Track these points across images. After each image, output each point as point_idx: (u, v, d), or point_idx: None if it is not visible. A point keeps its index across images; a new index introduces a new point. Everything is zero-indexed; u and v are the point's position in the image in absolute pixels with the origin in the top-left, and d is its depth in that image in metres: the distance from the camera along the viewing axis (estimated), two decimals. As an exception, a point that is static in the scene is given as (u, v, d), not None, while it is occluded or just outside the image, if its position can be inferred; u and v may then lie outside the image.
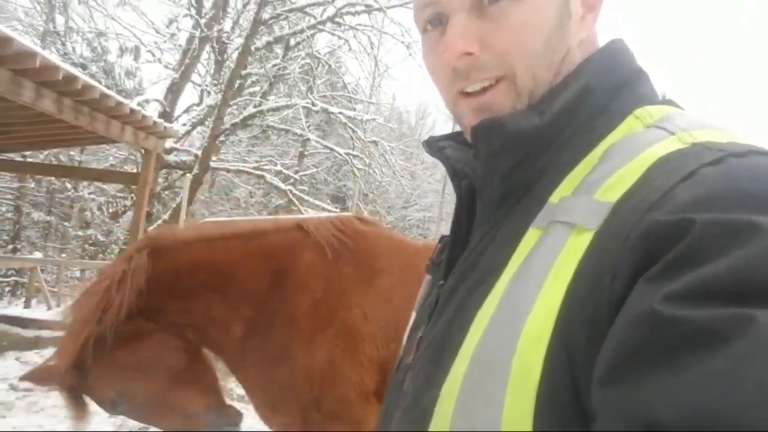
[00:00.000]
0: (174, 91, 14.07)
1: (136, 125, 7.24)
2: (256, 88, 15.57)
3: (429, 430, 0.58)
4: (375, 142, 16.77)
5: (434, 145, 0.79)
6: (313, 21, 14.33)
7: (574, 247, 0.52)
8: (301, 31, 14.28)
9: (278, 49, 15.80)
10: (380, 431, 0.74)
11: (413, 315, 0.84)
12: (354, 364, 2.19)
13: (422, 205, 29.86)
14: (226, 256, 2.29)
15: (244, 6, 15.37)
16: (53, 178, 14.70)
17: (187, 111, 15.67)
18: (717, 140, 0.53)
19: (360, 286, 2.32)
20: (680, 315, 0.40)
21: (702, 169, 0.49)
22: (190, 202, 12.46)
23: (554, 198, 0.59)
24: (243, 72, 13.78)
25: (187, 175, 11.67)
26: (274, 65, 14.87)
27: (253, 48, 13.56)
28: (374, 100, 20.32)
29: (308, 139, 17.23)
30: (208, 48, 14.91)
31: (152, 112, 12.50)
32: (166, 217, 13.25)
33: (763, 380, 0.35)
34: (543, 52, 0.65)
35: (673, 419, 0.37)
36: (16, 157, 10.95)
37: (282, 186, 14.89)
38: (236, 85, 13.71)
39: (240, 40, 14.10)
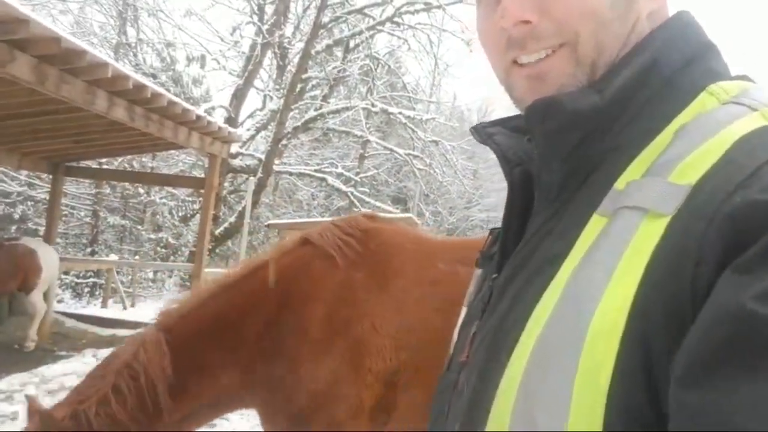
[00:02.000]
0: (238, 97, 14.45)
1: (201, 131, 7.43)
2: (317, 92, 15.77)
3: (487, 427, 0.54)
4: (436, 142, 16.62)
5: (483, 132, 0.73)
6: (372, 22, 14.36)
7: (648, 233, 0.47)
8: (360, 33, 14.34)
9: (338, 52, 15.93)
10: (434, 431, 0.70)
11: (463, 310, 0.80)
12: (356, 381, 2.08)
13: (485, 205, 29.31)
14: (228, 307, 2.17)
15: (305, 11, 15.60)
16: (127, 183, 15.40)
17: (251, 116, 16.08)
18: None
19: (371, 293, 2.18)
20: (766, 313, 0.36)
21: None
22: (254, 205, 12.75)
23: (620, 183, 0.54)
24: (304, 76, 13.97)
25: (251, 178, 11.93)
26: (334, 68, 14.99)
27: (313, 52, 13.72)
28: (434, 99, 20.16)
29: (368, 141, 17.27)
30: (270, 54, 15.23)
31: (219, 118, 12.87)
32: (232, 219, 13.61)
33: None
34: (610, 18, 0.59)
35: None
36: (93, 164, 11.52)
37: (343, 188, 15.00)
38: (297, 89, 13.91)
39: (301, 45, 14.31)
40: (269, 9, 14.88)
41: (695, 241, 0.44)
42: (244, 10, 15.20)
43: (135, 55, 16.30)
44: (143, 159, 15.66)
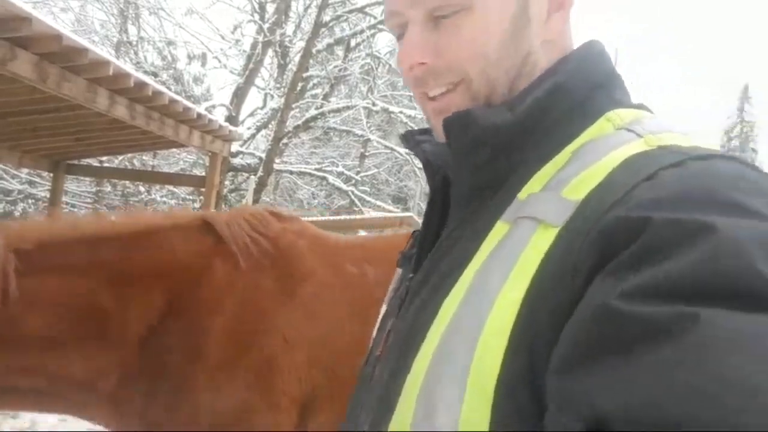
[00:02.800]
0: (239, 95, 14.43)
1: (202, 129, 7.42)
2: (318, 91, 15.75)
3: (390, 425, 0.58)
4: (436, 141, 16.57)
5: (412, 139, 0.80)
6: (372, 21, 14.34)
7: (539, 243, 0.52)
8: (361, 32, 14.32)
9: (339, 51, 15.91)
10: (348, 428, 0.73)
11: (384, 307, 0.85)
12: (270, 408, 1.74)
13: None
14: (95, 276, 1.63)
15: (305, 10, 15.58)
16: (128, 181, 15.39)
17: (251, 115, 16.06)
18: (682, 144, 0.55)
19: (280, 303, 1.85)
20: (631, 310, 0.41)
21: (663, 171, 0.50)
22: (255, 203, 12.73)
23: (522, 194, 0.60)
24: (305, 75, 13.95)
25: (252, 177, 11.93)
26: (335, 67, 14.98)
27: (314, 50, 13.71)
28: (435, 98, 20.09)
29: (369, 140, 17.27)
30: (271, 52, 15.21)
31: (219, 116, 12.87)
32: (232, 218, 13.60)
33: (703, 376, 0.36)
34: (497, 58, 0.66)
35: (618, 412, 0.38)
36: (94, 162, 11.51)
37: (344, 187, 14.99)
38: (298, 88, 13.90)
39: (302, 44, 14.29)
40: (270, 8, 14.86)
41: (574, 255, 0.49)
42: (245, 8, 15.19)
43: (136, 54, 16.28)
44: (144, 157, 15.65)
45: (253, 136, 14.68)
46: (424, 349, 0.57)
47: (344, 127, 16.36)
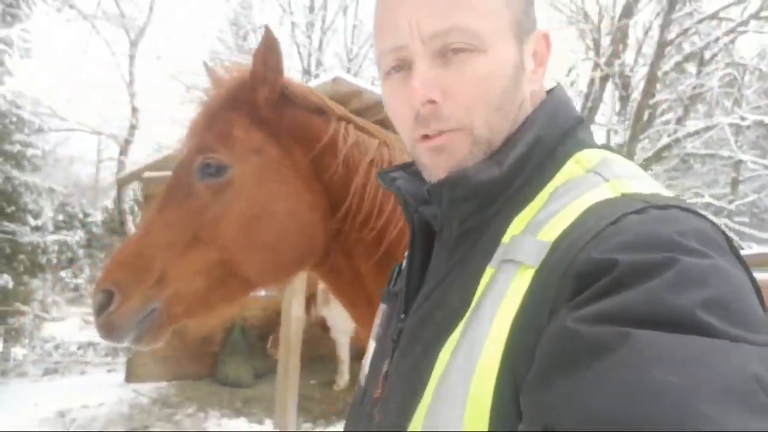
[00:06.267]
0: (580, 136, 14.13)
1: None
2: (669, 116, 14.26)
3: None
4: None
5: (386, 177, 0.83)
6: (731, 25, 12.37)
7: (519, 285, 0.58)
8: (717, 40, 12.46)
9: (691, 68, 14.16)
10: None
11: (372, 344, 0.87)
12: None
13: None
14: None
15: (645, 33, 14.46)
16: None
17: (595, 154, 15.48)
18: (643, 192, 0.61)
19: None
20: (579, 329, 0.49)
21: (627, 217, 0.56)
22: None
23: (506, 238, 0.64)
24: (651, 101, 12.81)
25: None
26: (687, 85, 13.35)
27: (659, 73, 12.51)
28: (833, 97, 15.96)
29: (741, 161, 14.64)
30: (609, 86, 14.53)
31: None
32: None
33: (630, 381, 0.44)
34: (500, 104, 0.70)
35: (570, 420, 0.45)
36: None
37: (714, 220, 12.93)
38: (645, 117, 12.82)
39: (645, 69, 13.25)
40: (605, 40, 14.30)
41: (551, 292, 0.55)
42: (577, 49, 15.00)
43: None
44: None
45: (599, 175, 14.10)
46: (428, 388, 0.61)
47: (707, 151, 14.29)
